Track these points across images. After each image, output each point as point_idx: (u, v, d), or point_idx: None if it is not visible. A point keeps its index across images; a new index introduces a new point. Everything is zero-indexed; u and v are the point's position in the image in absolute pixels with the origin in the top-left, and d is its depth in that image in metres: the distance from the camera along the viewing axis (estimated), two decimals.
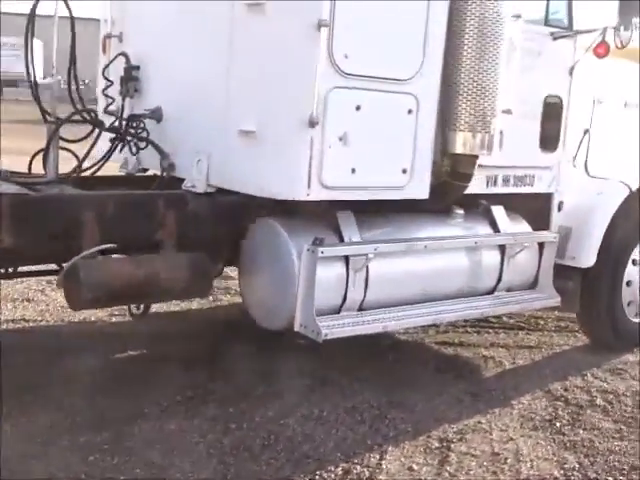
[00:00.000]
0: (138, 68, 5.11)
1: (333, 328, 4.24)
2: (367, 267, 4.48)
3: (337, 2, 3.93)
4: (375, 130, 4.24)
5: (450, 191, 4.81)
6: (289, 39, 3.99)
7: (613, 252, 5.71)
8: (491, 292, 5.26)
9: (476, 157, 4.70)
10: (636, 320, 6.08)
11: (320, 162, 4.06)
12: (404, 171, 4.42)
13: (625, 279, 5.87)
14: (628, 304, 5.96)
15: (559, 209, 5.64)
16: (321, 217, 4.56)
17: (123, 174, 5.33)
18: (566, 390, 5.17)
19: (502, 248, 5.22)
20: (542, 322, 6.69)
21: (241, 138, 4.21)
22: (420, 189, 4.56)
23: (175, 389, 4.63)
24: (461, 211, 5.17)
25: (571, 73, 5.39)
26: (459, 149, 4.60)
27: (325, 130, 4.04)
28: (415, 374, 5.25)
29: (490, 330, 6.38)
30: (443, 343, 5.99)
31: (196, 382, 4.76)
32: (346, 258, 4.41)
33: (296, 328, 4.29)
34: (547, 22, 5.30)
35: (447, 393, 4.96)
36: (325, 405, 4.59)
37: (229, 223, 4.60)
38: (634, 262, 5.92)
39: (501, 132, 5.02)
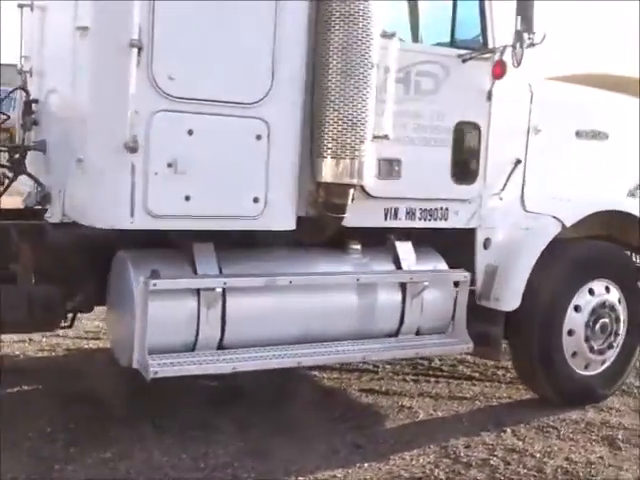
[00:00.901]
0: (36, 102, 5.08)
1: (164, 366, 3.98)
2: (224, 303, 4.20)
3: (155, 22, 3.74)
4: (215, 156, 3.98)
5: (325, 223, 4.46)
6: (106, 61, 3.82)
7: (545, 296, 5.16)
8: (395, 334, 4.84)
9: (349, 186, 4.34)
10: (586, 373, 5.46)
11: (145, 189, 3.84)
12: (256, 200, 4.13)
13: (565, 327, 5.28)
14: (573, 355, 5.36)
15: (485, 246, 5.16)
16: (183, 249, 4.34)
17: (22, 207, 5.28)
18: (467, 447, 4.66)
19: (403, 287, 4.80)
20: (500, 372, 6.13)
21: (77, 166, 4.06)
22: (280, 220, 4.25)
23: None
24: (357, 246, 4.81)
25: (489, 98, 4.94)
26: (325, 177, 4.26)
27: (150, 156, 3.82)
28: (307, 422, 4.85)
29: (432, 379, 5.92)
30: (367, 390, 5.57)
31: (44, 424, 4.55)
32: (198, 292, 4.16)
33: (134, 365, 4.06)
34: (454, 43, 4.92)
35: (328, 443, 4.57)
36: (176, 449, 4.31)
37: (90, 255, 4.43)
38: (576, 309, 5.32)
39: (398, 161, 4.69)
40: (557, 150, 5.49)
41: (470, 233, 5.11)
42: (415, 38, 5.40)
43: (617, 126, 5.85)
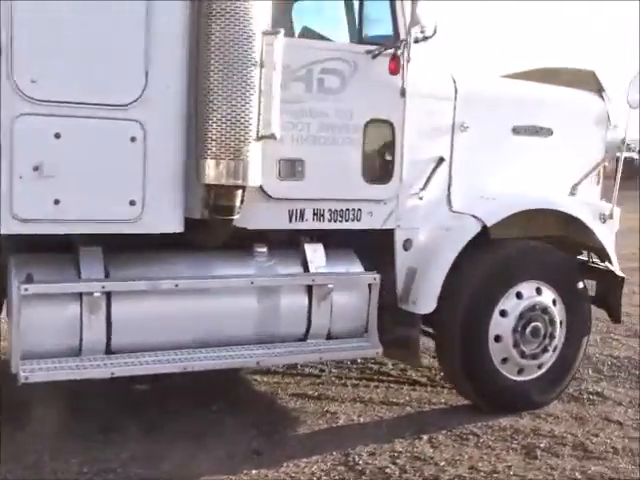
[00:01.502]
0: None
1: (36, 371, 3.96)
2: (109, 307, 4.17)
3: (14, 23, 3.73)
4: (85, 159, 3.95)
5: (215, 225, 4.37)
6: None
7: (465, 300, 4.96)
8: (303, 338, 4.73)
9: (235, 188, 4.25)
10: (521, 378, 5.22)
11: (10, 193, 3.83)
12: (132, 203, 4.07)
13: (492, 333, 5.06)
14: (503, 361, 5.14)
15: (405, 248, 5.00)
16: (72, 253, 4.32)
17: None
18: (372, 454, 4.51)
19: (309, 290, 4.68)
20: None
21: None
22: (163, 222, 4.19)
23: None
24: (263, 248, 4.71)
25: (403, 94, 4.77)
26: (208, 179, 4.17)
27: (14, 160, 3.81)
28: (217, 427, 4.80)
29: (374, 384, 5.78)
30: (299, 395, 5.46)
31: None
32: (81, 297, 4.13)
33: (12, 370, 4.05)
34: (362, 39, 4.77)
35: (229, 449, 4.49)
36: (70, 453, 4.30)
37: None
38: (503, 313, 5.10)
39: (301, 161, 4.58)
40: (489, 147, 5.29)
41: (389, 234, 4.96)
42: (354, 37, 5.26)
43: (563, 121, 5.61)
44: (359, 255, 5.01)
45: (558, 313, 5.25)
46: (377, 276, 4.78)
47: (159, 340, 4.34)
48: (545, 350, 5.21)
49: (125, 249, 4.38)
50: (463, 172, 5.17)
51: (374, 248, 5.01)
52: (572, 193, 5.44)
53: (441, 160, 5.06)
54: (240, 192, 4.29)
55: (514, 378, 5.19)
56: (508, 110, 5.37)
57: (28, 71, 3.80)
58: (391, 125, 4.81)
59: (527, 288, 5.14)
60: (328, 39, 5.16)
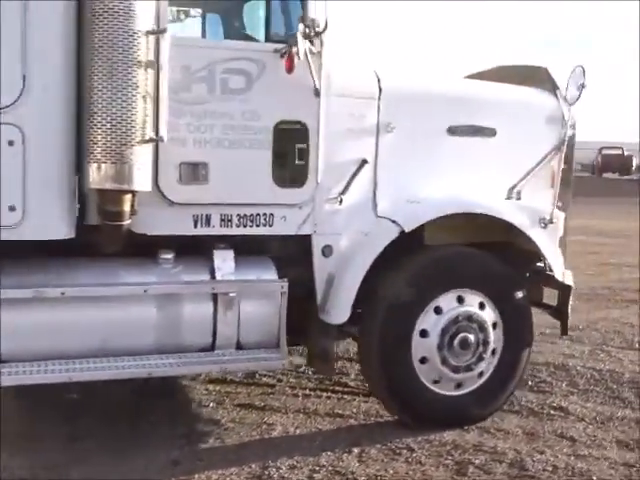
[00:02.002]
0: None
1: None
2: None
3: None
4: None
5: (108, 231, 4.24)
6: None
7: (384, 309, 4.72)
8: (210, 349, 4.56)
9: (121, 192, 4.11)
10: (459, 392, 4.99)
11: None
12: (12, 208, 3.98)
13: (415, 355, 4.84)
14: (435, 382, 4.92)
15: (325, 254, 4.79)
16: None
17: None
18: (292, 468, 4.39)
19: (215, 298, 4.51)
20: None
21: None
22: (49, 229, 4.08)
23: None
24: (169, 255, 4.56)
25: (318, 94, 4.56)
26: (92, 183, 4.03)
27: None
28: (144, 437, 4.72)
29: (326, 394, 5.59)
30: (244, 405, 5.34)
31: None
32: None
33: None
34: (270, 38, 4.59)
35: (148, 459, 4.41)
36: None
37: None
38: (423, 333, 4.85)
39: (205, 164, 4.43)
40: (420, 149, 5.04)
41: (307, 240, 4.75)
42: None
43: (508, 121, 5.31)
44: (282, 263, 4.81)
45: (488, 316, 4.97)
46: (285, 284, 4.58)
47: (50, 349, 4.22)
48: (480, 358, 4.94)
49: (27, 256, 4.27)
50: (390, 175, 4.93)
51: (296, 255, 4.82)
52: (509, 196, 5.13)
53: (364, 162, 4.83)
54: (129, 197, 4.15)
55: (453, 394, 4.94)
56: (442, 109, 5.11)
57: None
58: (305, 126, 4.61)
59: (446, 300, 4.88)
60: (254, 39, 5.01)
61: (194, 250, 4.65)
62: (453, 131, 5.15)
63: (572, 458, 4.70)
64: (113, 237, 4.28)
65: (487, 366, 5.01)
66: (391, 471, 4.37)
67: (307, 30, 4.10)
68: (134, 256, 4.50)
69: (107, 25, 3.92)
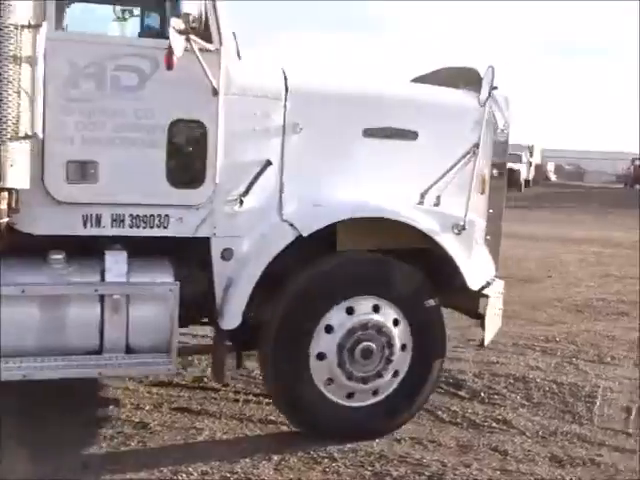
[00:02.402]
0: None
1: None
2: None
3: None
4: None
5: None
6: None
7: (281, 311, 4.58)
8: (98, 352, 4.44)
9: None
10: (349, 403, 4.80)
11: None
12: None
13: (314, 349, 4.65)
14: (328, 381, 4.73)
15: (224, 258, 4.64)
16: None
17: None
18: (204, 474, 4.34)
19: (101, 300, 4.39)
20: None
21: None
22: None
23: None
24: (59, 255, 4.45)
25: (216, 93, 4.42)
26: None
27: None
28: (64, 438, 4.67)
29: (266, 400, 5.39)
30: (180, 409, 5.29)
31: None
32: None
33: None
34: (164, 34, 4.43)
35: (55, 462, 4.35)
36: None
37: None
38: (328, 329, 4.67)
39: (94, 163, 4.32)
40: (331, 151, 4.87)
41: (206, 243, 4.61)
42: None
43: (431, 124, 5.11)
44: (184, 266, 4.68)
45: (399, 335, 4.78)
46: (175, 287, 4.44)
47: None
48: (379, 375, 4.74)
49: None
50: (297, 177, 4.77)
51: (199, 258, 4.68)
52: (425, 201, 4.93)
53: (267, 164, 4.67)
54: (4, 195, 4.05)
55: (342, 403, 4.76)
56: (357, 111, 4.93)
57: None
58: (202, 126, 4.48)
59: (362, 304, 4.72)
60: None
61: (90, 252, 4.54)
62: (370, 133, 4.97)
63: (497, 473, 4.56)
64: None
65: (386, 384, 4.85)
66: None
67: (181, 26, 3.95)
68: (24, 256, 4.40)
69: None
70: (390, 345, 4.73)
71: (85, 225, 4.39)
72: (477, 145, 4.85)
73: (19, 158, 3.99)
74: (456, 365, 6.52)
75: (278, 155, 4.72)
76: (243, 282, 4.50)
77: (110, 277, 4.43)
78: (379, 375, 4.74)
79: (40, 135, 4.02)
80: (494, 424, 5.31)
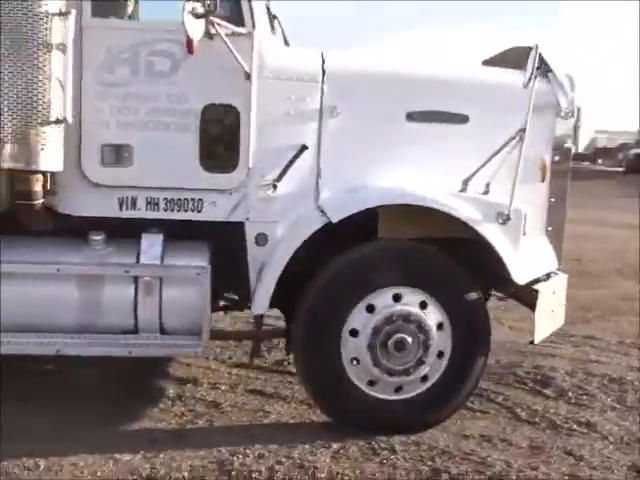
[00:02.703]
0: None
1: None
2: None
3: None
4: None
5: (22, 211, 4.34)
6: None
7: (305, 314, 4.56)
8: (133, 331, 4.56)
9: (31, 172, 4.19)
10: (398, 397, 4.69)
11: None
12: None
13: (346, 354, 4.59)
14: (370, 383, 4.65)
15: (258, 243, 4.63)
16: None
17: None
18: (245, 456, 4.35)
19: (136, 282, 4.49)
20: None
21: None
22: None
23: None
24: (99, 237, 4.59)
25: (248, 77, 4.42)
26: None
27: None
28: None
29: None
30: (255, 391, 5.40)
31: None
32: None
33: None
34: None
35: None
36: None
37: None
38: (353, 333, 4.58)
39: (129, 146, 4.44)
40: (371, 136, 4.73)
41: (240, 228, 4.62)
42: None
43: (483, 107, 4.86)
44: (221, 250, 4.71)
45: (431, 316, 4.60)
46: (204, 271, 4.47)
47: None
48: (421, 362, 4.58)
49: None
50: (335, 163, 4.66)
51: (234, 242, 4.70)
52: (464, 188, 4.69)
53: (303, 148, 4.60)
54: (37, 177, 4.22)
55: (391, 398, 4.65)
56: (398, 93, 4.76)
57: None
58: (235, 110, 4.48)
59: (380, 298, 4.56)
60: None
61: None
62: (413, 117, 4.79)
63: (566, 478, 4.30)
64: (30, 216, 4.37)
65: (434, 369, 4.66)
66: (357, 471, 4.21)
67: (198, 10, 3.94)
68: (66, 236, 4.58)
69: (10, 7, 4.01)
70: (423, 331, 4.57)
71: (121, 208, 4.50)
72: (523, 130, 4.55)
73: (51, 142, 4.15)
74: (549, 362, 6.26)
75: (315, 140, 4.64)
76: (272, 268, 4.47)
77: (144, 259, 4.53)
78: (420, 363, 4.60)
79: (70, 120, 4.15)
80: (575, 426, 5.02)
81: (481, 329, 4.72)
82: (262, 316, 4.62)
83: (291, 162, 4.60)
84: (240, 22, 4.43)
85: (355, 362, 4.57)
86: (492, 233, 4.55)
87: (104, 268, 4.48)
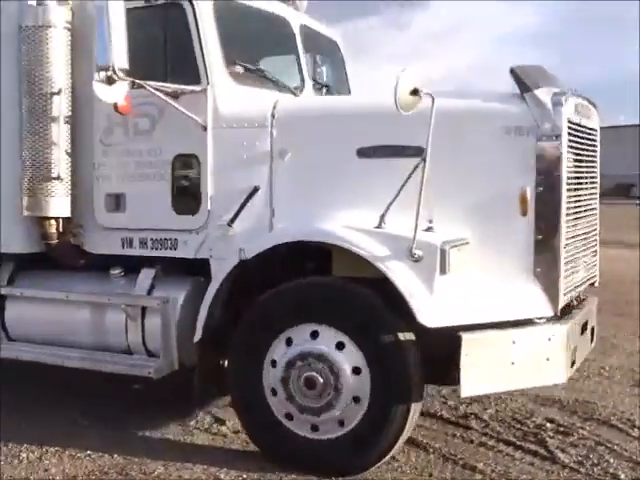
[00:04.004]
0: None
1: None
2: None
3: None
4: None
5: (49, 249, 5.47)
6: None
7: (235, 342, 4.80)
8: (129, 352, 5.33)
9: (44, 219, 5.32)
10: (315, 436, 4.59)
11: None
12: None
13: (267, 384, 4.69)
14: (288, 417, 4.64)
15: None
16: None
17: None
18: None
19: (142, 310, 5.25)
20: None
21: None
22: (12, 245, 5.57)
23: None
24: (116, 271, 5.51)
25: (205, 129, 4.98)
26: (21, 211, 5.37)
27: None
28: None
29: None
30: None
31: None
32: None
33: None
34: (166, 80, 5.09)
35: None
36: None
37: None
38: (273, 363, 4.64)
39: (123, 195, 5.37)
40: (320, 174, 4.82)
41: (206, 264, 5.10)
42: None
43: (445, 137, 4.54)
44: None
45: (346, 359, 4.42)
46: (158, 301, 5.04)
47: (33, 335, 5.66)
48: (331, 405, 4.45)
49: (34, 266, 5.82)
50: (288, 202, 4.87)
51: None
52: (380, 224, 4.41)
53: (255, 190, 4.92)
54: (51, 222, 5.34)
55: (308, 436, 4.59)
56: (347, 130, 4.74)
57: None
58: (197, 158, 5.05)
59: (299, 333, 4.54)
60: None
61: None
62: (364, 153, 4.73)
63: None
64: (55, 253, 5.50)
65: (353, 414, 4.44)
66: None
67: (102, 76, 4.62)
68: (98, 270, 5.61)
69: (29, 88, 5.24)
70: (334, 373, 4.41)
71: (123, 246, 5.37)
72: (421, 151, 4.21)
73: (56, 193, 5.24)
74: None
75: (267, 181, 4.91)
76: (204, 301, 4.83)
77: (137, 290, 5.29)
78: (329, 406, 4.46)
79: (63, 177, 5.20)
80: None
81: (401, 375, 4.36)
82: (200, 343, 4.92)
83: (244, 203, 4.93)
84: (196, 80, 4.99)
85: (273, 393, 4.63)
86: (399, 271, 4.23)
87: (93, 296, 5.39)
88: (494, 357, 4.29)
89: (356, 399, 4.44)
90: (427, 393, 5.41)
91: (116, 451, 4.96)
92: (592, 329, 5.33)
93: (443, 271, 4.22)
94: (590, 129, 5.01)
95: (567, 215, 4.56)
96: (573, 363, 4.68)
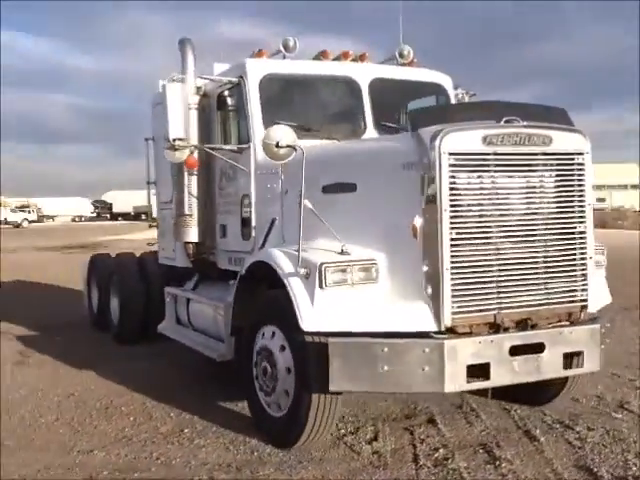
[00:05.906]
0: None
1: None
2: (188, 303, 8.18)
3: None
4: None
5: (193, 264, 7.66)
6: None
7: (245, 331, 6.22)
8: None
9: (186, 243, 7.52)
10: (277, 414, 5.72)
11: None
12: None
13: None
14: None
15: None
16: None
17: None
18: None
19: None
20: None
21: None
22: (179, 261, 7.96)
23: None
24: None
25: (249, 175, 6.68)
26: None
27: None
28: None
29: None
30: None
31: None
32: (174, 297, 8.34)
33: None
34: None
35: None
36: None
37: None
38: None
39: (225, 225, 7.35)
40: (303, 207, 5.96)
41: None
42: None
43: (367, 174, 5.52)
44: None
45: (284, 359, 5.46)
46: (217, 304, 6.90)
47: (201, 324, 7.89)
48: (273, 390, 5.58)
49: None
50: (289, 230, 6.16)
51: None
52: (305, 247, 5.39)
53: (273, 221, 6.37)
54: (189, 246, 7.52)
55: (273, 414, 5.72)
56: (317, 171, 5.77)
57: None
58: (249, 197, 6.73)
59: (268, 330, 5.69)
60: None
61: None
62: (325, 189, 5.82)
63: None
64: (198, 267, 7.66)
65: (285, 400, 5.49)
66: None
67: (168, 144, 6.58)
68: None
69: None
70: (275, 367, 5.51)
71: (230, 263, 7.26)
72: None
73: (190, 225, 7.41)
74: None
75: (280, 214, 6.32)
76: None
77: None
78: (272, 391, 5.58)
79: (194, 215, 7.34)
80: None
81: (315, 366, 5.11)
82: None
83: (268, 232, 6.42)
84: (247, 139, 6.67)
85: (255, 376, 5.88)
86: (294, 284, 5.20)
87: (203, 299, 7.38)
88: (362, 361, 4.93)
89: (285, 391, 5.48)
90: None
91: None
92: (569, 355, 5.26)
93: (321, 286, 5.10)
94: (520, 154, 5.09)
95: (454, 241, 4.93)
96: (477, 377, 4.95)
